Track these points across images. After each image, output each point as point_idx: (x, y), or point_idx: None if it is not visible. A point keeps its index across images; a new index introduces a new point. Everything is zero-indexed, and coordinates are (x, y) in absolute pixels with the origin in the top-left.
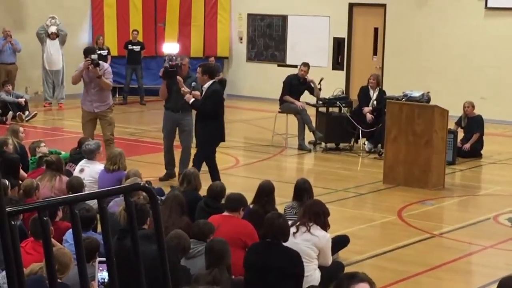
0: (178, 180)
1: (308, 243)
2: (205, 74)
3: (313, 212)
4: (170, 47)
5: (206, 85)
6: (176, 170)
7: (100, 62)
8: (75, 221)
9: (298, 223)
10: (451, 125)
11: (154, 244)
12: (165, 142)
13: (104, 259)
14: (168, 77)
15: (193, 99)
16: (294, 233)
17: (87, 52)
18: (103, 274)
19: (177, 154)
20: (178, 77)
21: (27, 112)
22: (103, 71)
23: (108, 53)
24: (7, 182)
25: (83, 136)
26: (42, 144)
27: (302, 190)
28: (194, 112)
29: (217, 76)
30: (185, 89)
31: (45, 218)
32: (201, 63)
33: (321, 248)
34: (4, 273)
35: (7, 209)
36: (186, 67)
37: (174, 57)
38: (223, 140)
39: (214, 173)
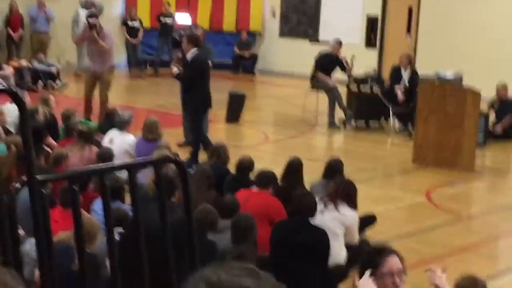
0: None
1: (335, 221)
2: (189, 43)
3: (345, 193)
4: (182, 18)
5: (189, 54)
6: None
7: (101, 25)
8: (105, 191)
9: (327, 200)
10: (483, 107)
11: (182, 217)
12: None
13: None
14: (176, 46)
15: (176, 71)
16: (321, 211)
17: (88, 16)
18: None
19: None
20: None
21: (58, 81)
22: (102, 35)
23: (141, 24)
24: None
25: (84, 93)
26: (74, 112)
27: (334, 169)
28: None
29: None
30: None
31: (75, 188)
32: (185, 34)
33: (348, 227)
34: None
35: (38, 177)
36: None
37: (188, 28)
38: (210, 106)
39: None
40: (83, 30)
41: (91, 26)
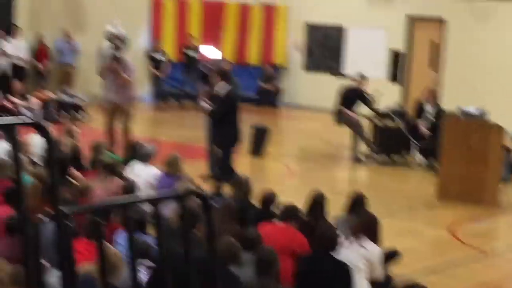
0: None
1: (359, 256)
2: (219, 77)
3: (368, 228)
4: (209, 51)
5: (220, 88)
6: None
7: (124, 57)
8: (129, 224)
9: (350, 236)
10: (507, 142)
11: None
12: (208, 143)
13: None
14: (204, 80)
15: (206, 106)
16: (345, 245)
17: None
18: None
19: None
20: (211, 80)
21: (83, 113)
22: (124, 67)
23: (166, 57)
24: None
25: (105, 126)
26: (104, 145)
27: (357, 203)
28: None
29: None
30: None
31: (99, 220)
32: (216, 68)
33: (372, 262)
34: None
35: (63, 209)
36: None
37: (215, 61)
38: (239, 141)
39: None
40: (107, 62)
41: (114, 59)
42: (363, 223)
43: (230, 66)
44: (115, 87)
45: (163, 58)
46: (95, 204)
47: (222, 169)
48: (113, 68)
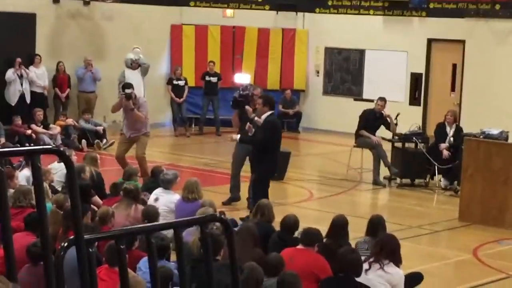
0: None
1: (381, 279)
2: (265, 105)
3: (389, 249)
4: (242, 78)
5: (264, 116)
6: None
7: (137, 95)
8: (151, 250)
9: (372, 259)
10: None
11: (228, 275)
12: (234, 168)
13: None
14: (236, 106)
15: (238, 136)
16: (366, 270)
17: (124, 87)
18: None
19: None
20: (246, 106)
21: (104, 140)
22: (138, 105)
23: (186, 83)
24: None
25: (115, 155)
26: (135, 171)
27: (376, 226)
28: None
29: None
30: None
31: (122, 247)
32: (261, 95)
33: (394, 285)
34: None
35: (85, 236)
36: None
37: (246, 87)
38: (276, 173)
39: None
40: (119, 99)
41: (127, 97)
42: (383, 245)
43: (261, 91)
44: (129, 123)
45: (183, 84)
46: (117, 231)
47: (256, 199)
48: (128, 106)
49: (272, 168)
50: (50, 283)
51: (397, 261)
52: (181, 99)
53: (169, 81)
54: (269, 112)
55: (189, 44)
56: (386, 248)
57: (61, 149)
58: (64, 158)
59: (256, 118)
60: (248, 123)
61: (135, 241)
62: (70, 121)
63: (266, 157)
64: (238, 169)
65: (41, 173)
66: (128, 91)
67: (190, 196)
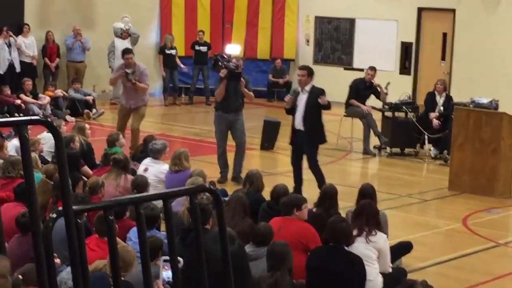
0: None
1: (367, 245)
2: (309, 76)
3: (371, 216)
4: (233, 48)
5: (308, 87)
6: (230, 165)
7: (137, 63)
8: (140, 221)
9: (357, 227)
10: None
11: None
12: (220, 144)
13: (168, 257)
14: (233, 79)
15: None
16: (355, 237)
17: (124, 52)
18: (168, 273)
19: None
20: (242, 79)
21: (94, 110)
22: (137, 74)
23: (176, 52)
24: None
25: (117, 127)
26: (121, 137)
27: (367, 195)
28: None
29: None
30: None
31: (111, 217)
32: (302, 65)
33: (380, 249)
34: (69, 269)
35: (74, 207)
36: (241, 68)
37: (238, 59)
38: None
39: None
40: (116, 71)
41: (129, 79)
42: (364, 213)
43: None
44: (129, 93)
45: (175, 53)
46: (106, 202)
47: (315, 170)
48: (131, 85)
49: (322, 136)
50: (39, 253)
51: (378, 226)
52: (172, 68)
53: (161, 50)
54: (312, 83)
55: (179, 13)
56: (368, 216)
57: (49, 119)
58: (52, 129)
59: (300, 89)
60: (288, 95)
61: (124, 211)
62: (59, 91)
63: (317, 126)
64: (224, 144)
65: (29, 144)
66: (128, 71)
67: (173, 168)
